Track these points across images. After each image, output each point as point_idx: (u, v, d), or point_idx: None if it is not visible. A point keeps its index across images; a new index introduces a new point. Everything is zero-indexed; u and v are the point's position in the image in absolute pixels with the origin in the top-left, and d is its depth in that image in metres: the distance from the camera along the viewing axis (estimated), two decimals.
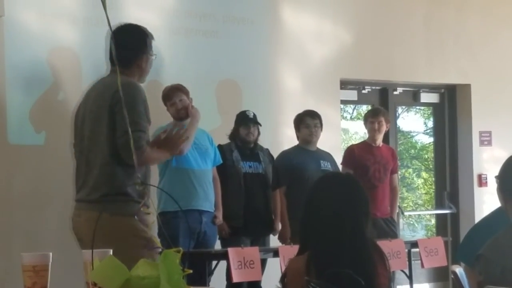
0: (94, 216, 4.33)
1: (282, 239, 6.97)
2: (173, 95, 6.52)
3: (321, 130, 7.29)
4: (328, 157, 7.33)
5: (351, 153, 7.65)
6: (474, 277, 3.34)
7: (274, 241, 7.00)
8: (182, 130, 4.73)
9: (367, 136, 7.92)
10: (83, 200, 4.50)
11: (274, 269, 6.20)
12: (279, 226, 7.00)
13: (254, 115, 6.92)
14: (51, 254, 2.54)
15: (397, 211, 7.95)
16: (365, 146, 7.68)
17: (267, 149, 7.08)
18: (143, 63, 4.65)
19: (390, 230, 7.49)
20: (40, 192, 6.76)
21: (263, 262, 6.49)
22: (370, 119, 7.70)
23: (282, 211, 6.99)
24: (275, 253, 6.37)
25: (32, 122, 6.79)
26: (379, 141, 7.69)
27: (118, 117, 4.35)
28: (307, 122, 7.24)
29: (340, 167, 7.56)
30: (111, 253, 2.95)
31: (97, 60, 7.01)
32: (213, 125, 7.25)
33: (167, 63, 7.25)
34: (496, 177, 3.27)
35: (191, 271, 2.12)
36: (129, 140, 4.00)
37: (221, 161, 6.67)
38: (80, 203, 4.52)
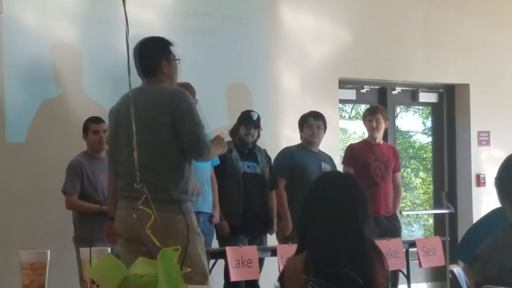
0: (167, 216, 4.11)
1: (284, 230, 6.90)
2: None
3: (324, 132, 7.24)
4: (329, 159, 7.30)
5: (351, 151, 7.63)
6: (472, 277, 3.34)
7: (271, 240, 6.99)
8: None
9: (365, 135, 7.92)
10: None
11: (272, 268, 6.20)
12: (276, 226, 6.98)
13: (258, 118, 6.82)
14: (49, 252, 2.54)
15: (399, 208, 7.94)
16: (365, 144, 7.66)
17: (264, 150, 7.03)
18: (164, 69, 4.85)
19: (393, 226, 7.46)
20: (38, 190, 6.76)
21: (261, 261, 6.49)
22: (368, 117, 7.69)
23: (283, 204, 6.95)
24: (273, 252, 6.37)
25: (31, 120, 6.78)
26: (379, 139, 7.67)
27: (181, 122, 4.64)
28: (310, 122, 7.21)
29: (340, 167, 7.55)
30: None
31: (97, 57, 7.02)
32: (213, 125, 7.24)
33: None
34: (495, 177, 3.26)
35: (189, 269, 2.12)
36: (199, 141, 4.62)
37: (219, 162, 6.63)
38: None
